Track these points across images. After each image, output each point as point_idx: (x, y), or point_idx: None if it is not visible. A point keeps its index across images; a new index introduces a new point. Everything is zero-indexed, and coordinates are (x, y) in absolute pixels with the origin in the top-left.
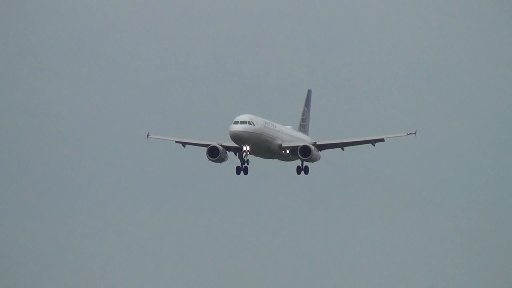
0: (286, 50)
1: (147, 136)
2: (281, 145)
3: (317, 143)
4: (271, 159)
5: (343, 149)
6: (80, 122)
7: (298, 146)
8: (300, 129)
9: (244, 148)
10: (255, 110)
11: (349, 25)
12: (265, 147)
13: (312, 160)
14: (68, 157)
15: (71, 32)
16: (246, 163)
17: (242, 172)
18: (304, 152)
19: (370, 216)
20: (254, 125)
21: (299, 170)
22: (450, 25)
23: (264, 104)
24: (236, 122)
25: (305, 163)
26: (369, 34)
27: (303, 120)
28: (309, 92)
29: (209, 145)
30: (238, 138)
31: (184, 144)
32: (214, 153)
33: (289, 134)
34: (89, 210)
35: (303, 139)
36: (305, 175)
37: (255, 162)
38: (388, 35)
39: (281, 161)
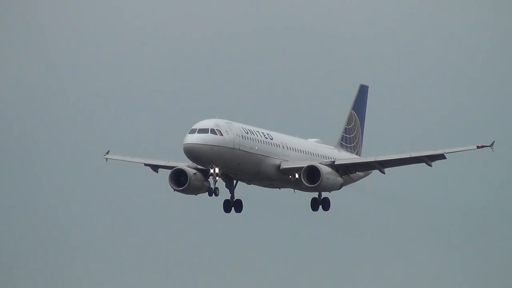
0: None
1: (104, 157)
2: (280, 165)
3: (336, 163)
4: (279, 188)
5: (383, 172)
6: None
7: (303, 167)
8: (341, 143)
9: (211, 171)
10: (266, 120)
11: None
12: (252, 170)
13: (324, 188)
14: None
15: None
16: (214, 192)
17: (232, 209)
18: (309, 176)
19: (425, 275)
20: (221, 134)
21: (315, 204)
22: None
23: (280, 110)
24: (192, 131)
25: (323, 194)
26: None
27: (348, 130)
28: (363, 89)
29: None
30: (194, 155)
31: (155, 168)
32: (182, 180)
33: (301, 150)
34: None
35: (328, 157)
36: (324, 211)
37: (253, 192)
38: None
39: (297, 190)
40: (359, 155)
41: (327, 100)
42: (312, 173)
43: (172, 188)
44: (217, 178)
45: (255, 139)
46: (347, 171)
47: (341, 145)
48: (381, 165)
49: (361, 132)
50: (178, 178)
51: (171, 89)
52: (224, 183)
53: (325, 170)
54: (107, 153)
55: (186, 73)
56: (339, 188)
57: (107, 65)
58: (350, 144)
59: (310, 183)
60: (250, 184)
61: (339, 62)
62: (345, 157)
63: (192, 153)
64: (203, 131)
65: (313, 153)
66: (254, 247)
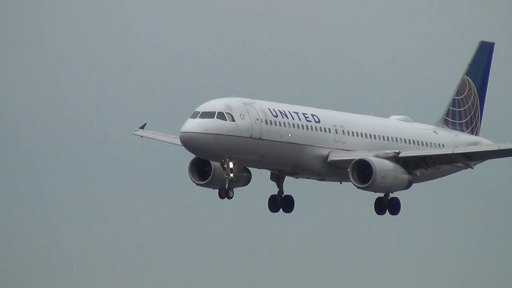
0: None
1: (136, 133)
2: (328, 156)
3: (400, 155)
4: (340, 182)
5: (470, 167)
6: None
7: (354, 159)
8: (445, 120)
9: (225, 165)
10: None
11: None
12: (285, 163)
13: (380, 188)
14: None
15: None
16: (226, 193)
17: (280, 208)
18: (360, 173)
19: None
20: (233, 120)
21: (380, 206)
22: None
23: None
24: (194, 115)
25: (391, 194)
26: None
27: (458, 102)
28: (485, 47)
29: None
30: (194, 148)
31: None
32: (206, 171)
33: (367, 133)
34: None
35: (416, 141)
36: (392, 215)
37: (309, 186)
38: None
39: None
40: (477, 135)
41: (426, 63)
42: (363, 169)
43: (193, 182)
44: (231, 175)
45: (289, 123)
46: (423, 165)
47: (446, 122)
48: (467, 158)
49: (479, 104)
50: (202, 169)
51: (212, 58)
52: (269, 174)
53: (380, 166)
54: (143, 127)
55: (228, 39)
56: (407, 186)
57: (138, 43)
58: (460, 120)
59: (360, 183)
60: (297, 178)
61: (447, 12)
62: (442, 140)
63: (190, 144)
64: (207, 115)
65: (388, 137)
66: (303, 257)
